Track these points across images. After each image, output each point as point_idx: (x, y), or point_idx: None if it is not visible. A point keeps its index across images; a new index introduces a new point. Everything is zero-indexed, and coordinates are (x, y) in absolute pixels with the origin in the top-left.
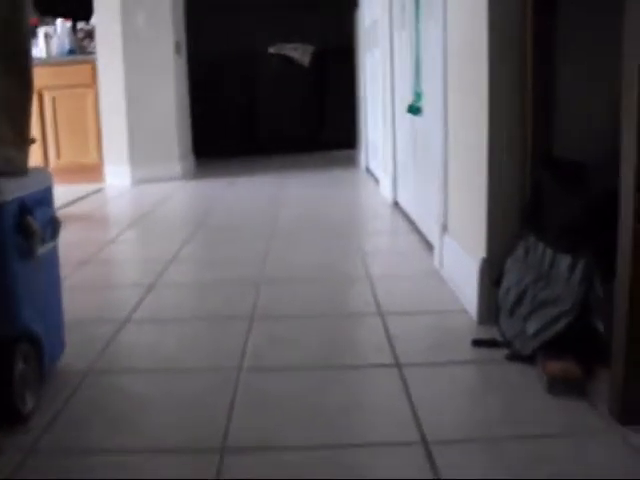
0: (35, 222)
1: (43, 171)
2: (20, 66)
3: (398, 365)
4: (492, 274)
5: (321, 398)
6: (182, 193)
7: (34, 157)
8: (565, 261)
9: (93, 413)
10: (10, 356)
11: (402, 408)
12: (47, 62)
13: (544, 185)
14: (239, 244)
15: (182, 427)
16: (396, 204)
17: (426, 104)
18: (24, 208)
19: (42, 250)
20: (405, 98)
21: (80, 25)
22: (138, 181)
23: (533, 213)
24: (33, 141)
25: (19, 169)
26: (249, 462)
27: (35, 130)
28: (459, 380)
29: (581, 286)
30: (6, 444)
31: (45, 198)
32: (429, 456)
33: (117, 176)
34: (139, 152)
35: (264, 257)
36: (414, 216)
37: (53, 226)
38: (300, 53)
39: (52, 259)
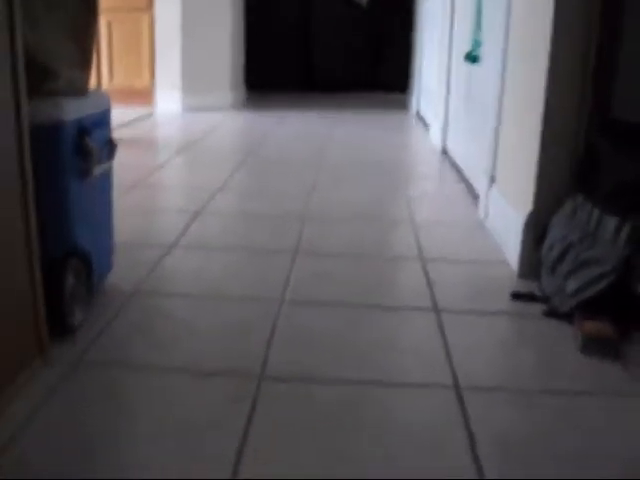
0: (92, 143)
1: (102, 93)
2: None
3: (436, 310)
4: (537, 229)
5: (358, 336)
6: (231, 123)
7: None
8: (612, 223)
9: (137, 332)
10: (62, 270)
11: (437, 352)
12: None
13: (599, 146)
14: (286, 178)
15: (222, 353)
16: (444, 151)
17: (485, 53)
18: (82, 129)
19: (98, 170)
20: (462, 46)
21: None
22: (188, 108)
23: (585, 173)
24: None
25: (81, 90)
26: (284, 391)
27: None
28: (495, 330)
29: (625, 249)
30: (55, 355)
31: (103, 120)
32: (460, 401)
33: (168, 102)
34: (191, 79)
35: (310, 193)
36: (462, 164)
37: (109, 148)
38: None
39: (106, 180)
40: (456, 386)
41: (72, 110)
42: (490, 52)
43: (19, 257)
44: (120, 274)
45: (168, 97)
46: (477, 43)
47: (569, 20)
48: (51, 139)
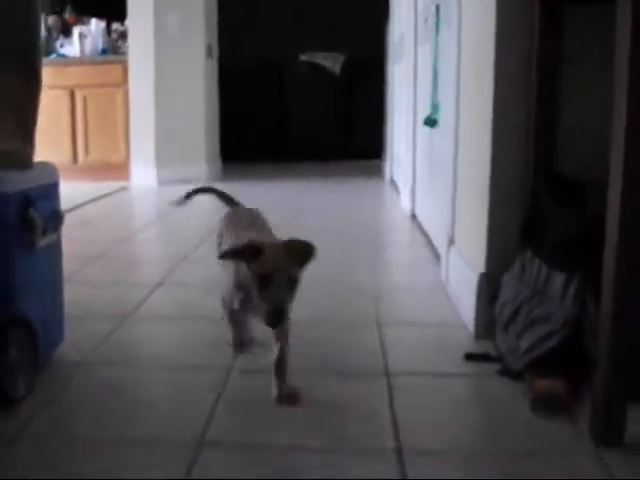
0: (37, 214)
1: (49, 166)
2: (31, 66)
3: (387, 374)
4: (490, 289)
5: (305, 401)
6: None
7: (64, 153)
8: (559, 279)
9: (82, 404)
10: (3, 341)
11: (384, 417)
12: (80, 61)
13: (543, 201)
14: None
15: (164, 421)
16: (414, 216)
17: (442, 117)
18: (27, 200)
19: (43, 242)
20: (425, 110)
21: (114, 26)
22: (164, 181)
23: (531, 228)
24: None
25: (23, 163)
26: (222, 457)
27: (65, 127)
28: (445, 392)
29: (574, 305)
30: None
31: (49, 192)
32: (401, 464)
33: (143, 176)
34: (166, 153)
35: None
36: (428, 229)
37: (56, 219)
38: (331, 62)
39: (54, 251)
40: (398, 451)
41: (13, 183)
42: (446, 116)
43: None
44: (72, 345)
45: (144, 171)
46: (435, 107)
47: (510, 88)
48: None
